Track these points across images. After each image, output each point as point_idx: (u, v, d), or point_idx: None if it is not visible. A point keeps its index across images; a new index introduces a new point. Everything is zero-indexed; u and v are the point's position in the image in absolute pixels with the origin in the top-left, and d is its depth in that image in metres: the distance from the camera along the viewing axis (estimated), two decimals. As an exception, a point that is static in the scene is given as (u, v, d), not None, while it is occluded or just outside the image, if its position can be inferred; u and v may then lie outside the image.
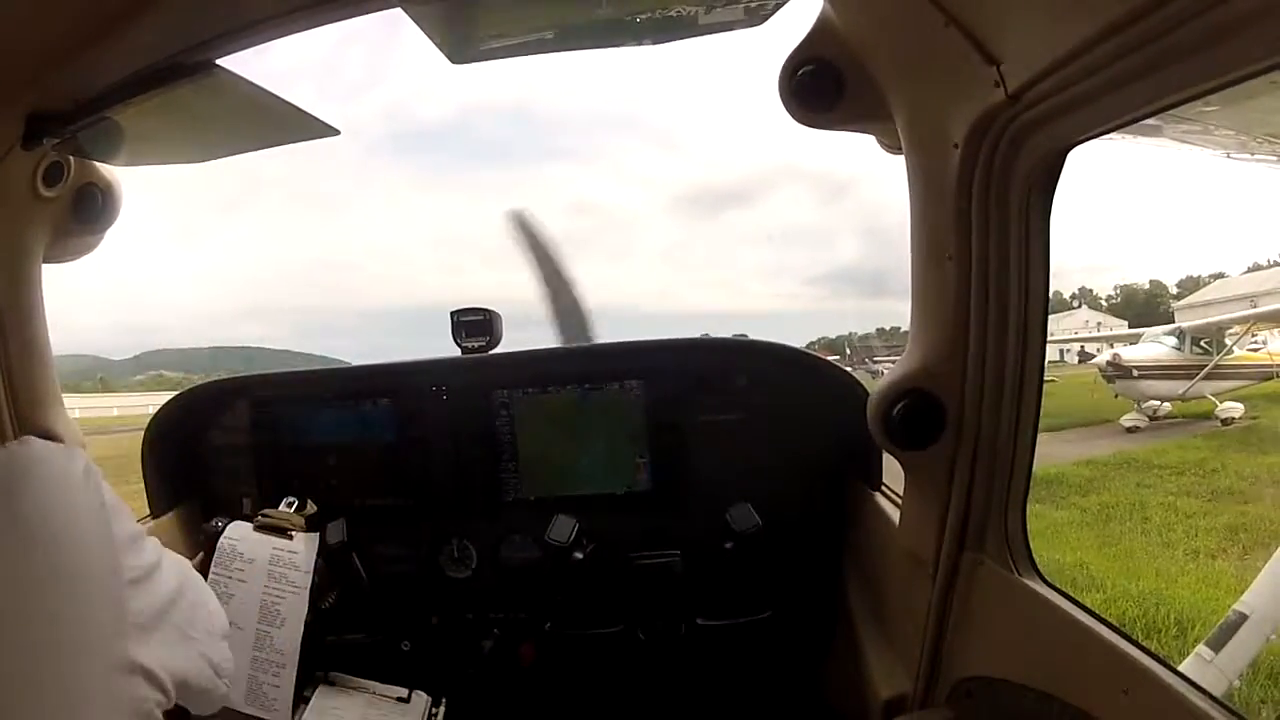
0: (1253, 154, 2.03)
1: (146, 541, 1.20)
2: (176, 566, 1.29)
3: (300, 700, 2.05)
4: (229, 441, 2.48)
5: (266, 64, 1.58)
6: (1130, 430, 17.94)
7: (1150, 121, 1.16)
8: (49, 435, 1.94)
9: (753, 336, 2.44)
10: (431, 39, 1.48)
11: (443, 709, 2.16)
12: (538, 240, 3.50)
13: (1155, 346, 18.48)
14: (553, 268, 3.47)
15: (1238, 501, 12.13)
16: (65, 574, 1.04)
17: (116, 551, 1.09)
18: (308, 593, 2.03)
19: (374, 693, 2.14)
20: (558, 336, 3.28)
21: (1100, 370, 18.54)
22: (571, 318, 3.36)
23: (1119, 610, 7.89)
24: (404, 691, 2.16)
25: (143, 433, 2.43)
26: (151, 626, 1.13)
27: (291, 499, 2.21)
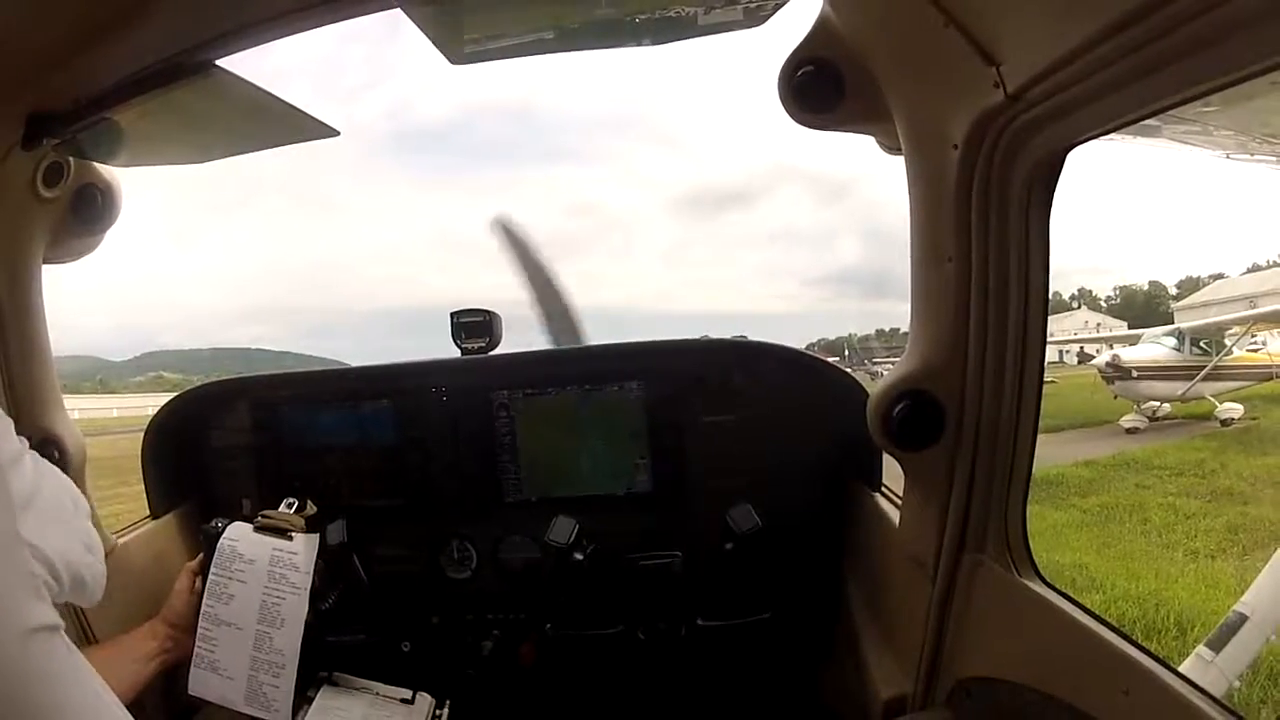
0: (1252, 154, 2.03)
1: (11, 427, 1.21)
2: (36, 456, 1.32)
3: (304, 701, 2.05)
4: (229, 442, 2.48)
5: (266, 65, 1.59)
6: (1130, 431, 17.99)
7: (1150, 122, 1.16)
8: (49, 436, 1.94)
9: (752, 338, 2.44)
10: (431, 39, 1.47)
11: (446, 710, 2.16)
12: (523, 246, 3.49)
13: (1155, 347, 18.52)
14: (539, 273, 3.46)
15: (1237, 502, 12.17)
16: None
17: None
18: (307, 593, 2.03)
19: (378, 694, 2.14)
20: (547, 340, 3.28)
21: (1100, 371, 18.61)
22: (560, 321, 3.35)
23: (1119, 611, 7.91)
24: (408, 693, 2.15)
25: (142, 434, 2.43)
26: (27, 506, 1.17)
27: (291, 500, 2.20)
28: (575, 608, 2.32)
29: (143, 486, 2.39)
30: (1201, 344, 18.19)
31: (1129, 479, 14.12)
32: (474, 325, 2.32)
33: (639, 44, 1.55)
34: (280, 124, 1.78)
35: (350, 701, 2.11)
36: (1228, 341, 18.04)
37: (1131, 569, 9.46)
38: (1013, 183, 1.24)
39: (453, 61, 1.56)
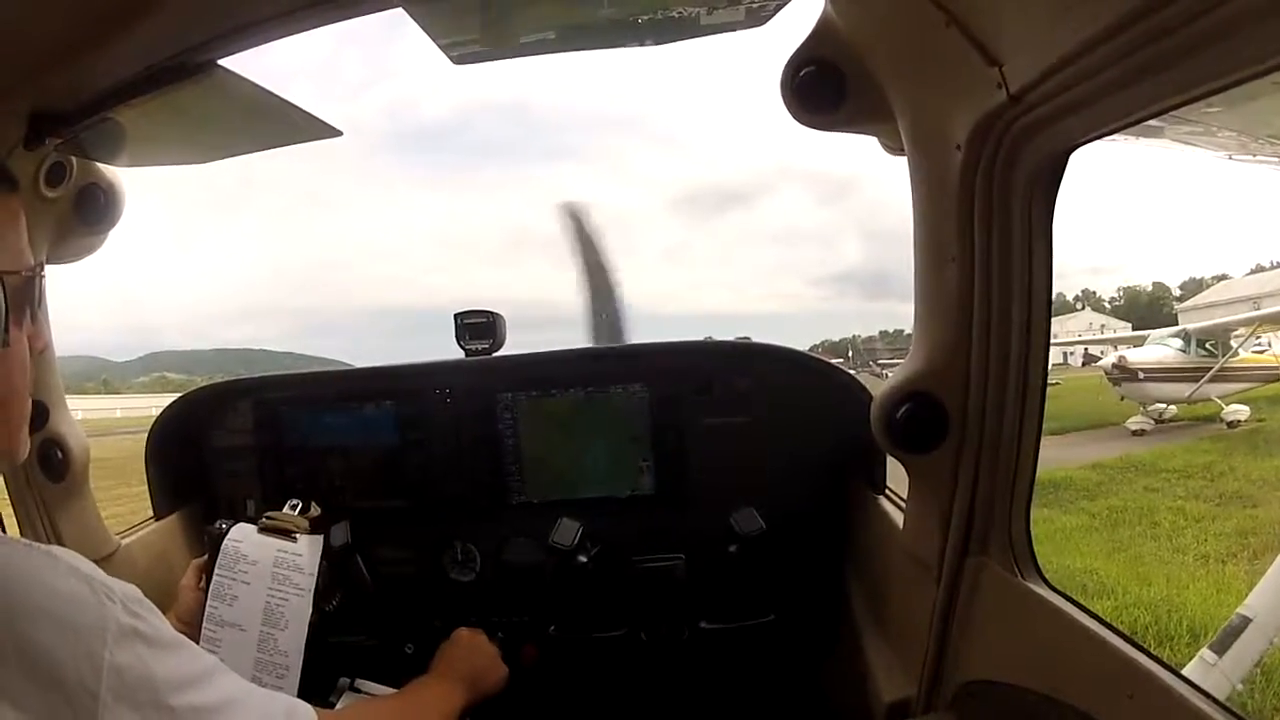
0: (1255, 155, 2.02)
1: None
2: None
3: (326, 706, 2.04)
4: (232, 443, 2.48)
5: (268, 64, 1.58)
6: (1136, 433, 17.96)
7: (1153, 123, 1.15)
8: (53, 438, 1.95)
9: (755, 339, 2.44)
10: (433, 39, 1.47)
11: None
12: (588, 234, 3.44)
13: (1161, 349, 18.48)
14: (599, 264, 3.42)
15: (1247, 505, 12.10)
16: None
17: None
18: (311, 595, 2.02)
19: None
20: (589, 334, 3.25)
21: (1106, 373, 18.57)
22: (607, 317, 3.32)
23: (1131, 617, 7.85)
24: None
25: (146, 435, 2.44)
26: None
27: (295, 501, 2.20)
28: (579, 610, 2.32)
29: (143, 487, 2.39)
30: (1207, 345, 18.14)
31: (1137, 482, 14.07)
32: (478, 326, 2.32)
33: (641, 44, 1.55)
34: (283, 124, 1.78)
35: None
36: (1233, 343, 18.00)
37: (1142, 574, 9.41)
38: (1015, 183, 1.23)
39: (455, 61, 1.56)
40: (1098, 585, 8.85)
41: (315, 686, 2.04)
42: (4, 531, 1.97)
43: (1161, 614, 7.96)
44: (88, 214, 1.89)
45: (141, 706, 0.96)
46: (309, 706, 1.25)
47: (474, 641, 2.06)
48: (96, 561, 1.05)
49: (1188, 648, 7.14)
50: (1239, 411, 17.41)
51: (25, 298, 1.11)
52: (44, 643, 0.92)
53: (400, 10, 1.39)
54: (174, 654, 1.04)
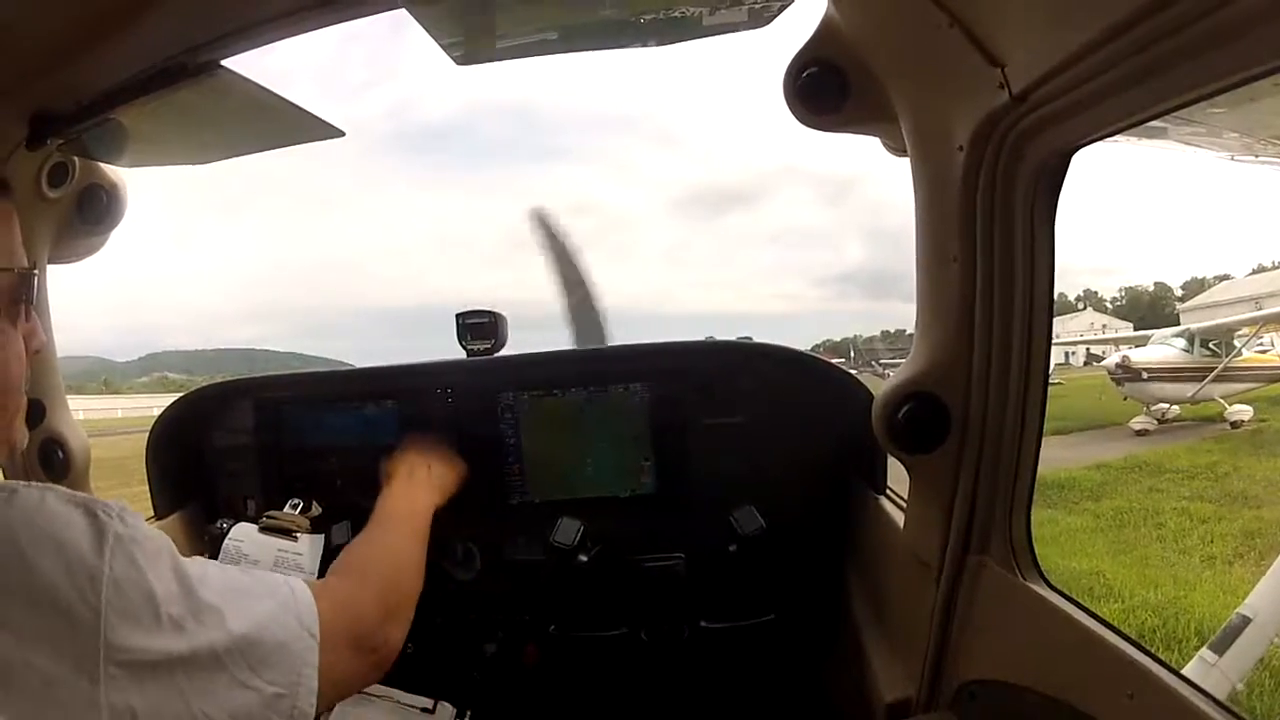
0: (1257, 156, 2.02)
1: None
2: None
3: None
4: (233, 443, 2.48)
5: (271, 64, 1.59)
6: (1139, 433, 17.94)
7: (1156, 124, 1.15)
8: (53, 437, 1.95)
9: (757, 339, 2.43)
10: (436, 40, 1.47)
11: (468, 719, 2.14)
12: (558, 239, 3.42)
13: (1164, 349, 18.45)
14: (571, 268, 3.40)
15: (1252, 506, 12.04)
16: None
17: None
18: None
19: (398, 701, 2.11)
20: (572, 338, 3.23)
21: (1109, 372, 18.56)
22: (587, 319, 3.30)
23: (1138, 620, 7.78)
24: (429, 702, 2.13)
25: (147, 435, 2.44)
26: None
27: (296, 500, 2.20)
28: (579, 609, 2.32)
29: (144, 488, 2.39)
30: (1211, 345, 18.12)
31: (1142, 482, 14.02)
32: (479, 326, 2.32)
33: (644, 45, 1.55)
34: (285, 124, 1.78)
35: (369, 709, 2.08)
36: (1237, 343, 17.98)
37: (1149, 576, 9.34)
38: (1018, 184, 1.23)
39: (458, 62, 1.56)
40: (1104, 588, 8.80)
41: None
42: None
43: (1169, 617, 7.90)
44: (90, 214, 1.90)
45: (143, 623, 0.95)
46: (303, 584, 1.23)
47: (420, 448, 2.09)
48: None
49: (1195, 651, 7.09)
50: (1243, 411, 17.39)
51: (19, 295, 1.11)
52: (45, 568, 0.91)
53: (403, 11, 1.39)
54: (164, 560, 1.03)
